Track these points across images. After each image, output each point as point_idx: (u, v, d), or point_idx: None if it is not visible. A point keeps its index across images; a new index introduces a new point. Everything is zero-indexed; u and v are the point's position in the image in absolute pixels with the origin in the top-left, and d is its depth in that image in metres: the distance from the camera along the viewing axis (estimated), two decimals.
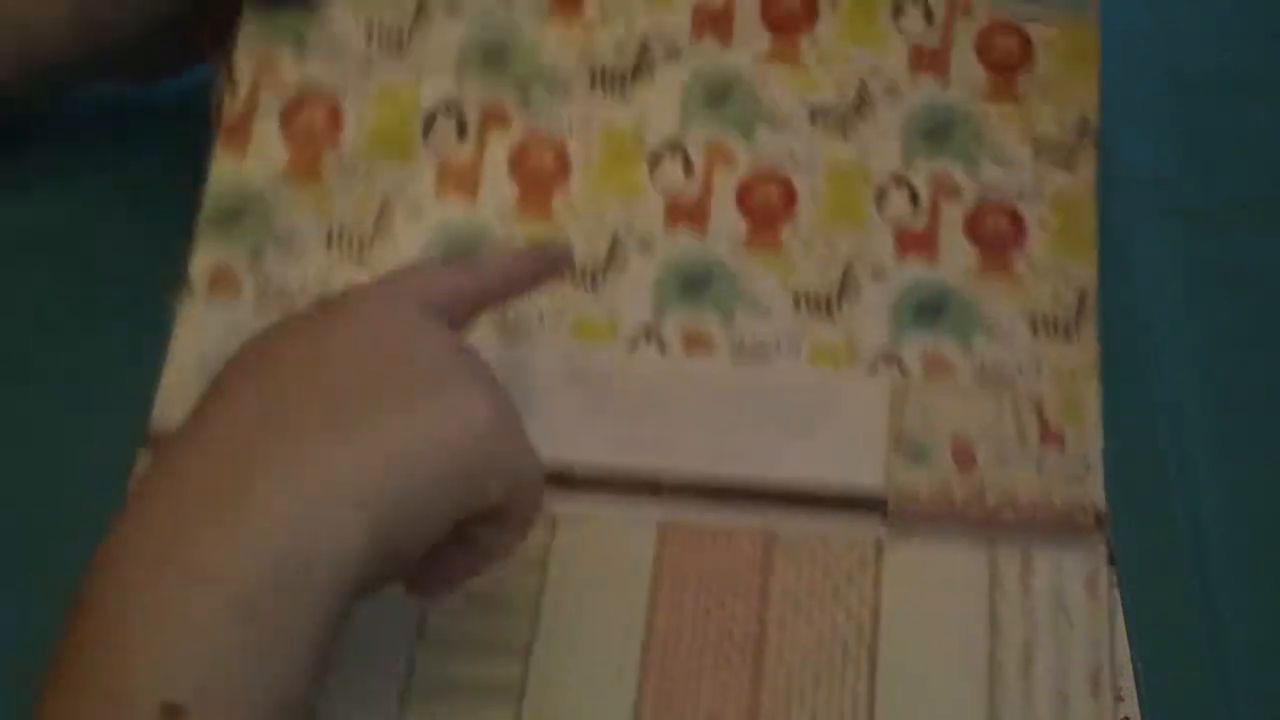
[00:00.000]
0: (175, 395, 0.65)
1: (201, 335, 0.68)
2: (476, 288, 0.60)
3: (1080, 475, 0.67)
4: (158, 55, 0.73)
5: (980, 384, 0.70)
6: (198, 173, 0.70)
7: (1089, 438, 0.68)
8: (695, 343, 0.70)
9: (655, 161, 0.73)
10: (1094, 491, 0.67)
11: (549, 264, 0.64)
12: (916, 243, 0.72)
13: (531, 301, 0.69)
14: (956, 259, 0.72)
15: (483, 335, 0.67)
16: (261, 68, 0.72)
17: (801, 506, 0.67)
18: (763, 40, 0.75)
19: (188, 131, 0.71)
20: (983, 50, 0.76)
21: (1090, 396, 0.69)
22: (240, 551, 0.46)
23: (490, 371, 0.55)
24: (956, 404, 0.69)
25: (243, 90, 0.72)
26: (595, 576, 0.65)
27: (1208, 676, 0.64)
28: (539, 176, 0.72)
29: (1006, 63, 0.76)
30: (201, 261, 0.69)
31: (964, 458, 0.68)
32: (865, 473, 0.67)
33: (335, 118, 0.72)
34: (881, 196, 0.73)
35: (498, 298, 0.63)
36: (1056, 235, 0.73)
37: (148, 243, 0.71)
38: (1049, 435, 0.68)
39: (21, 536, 0.64)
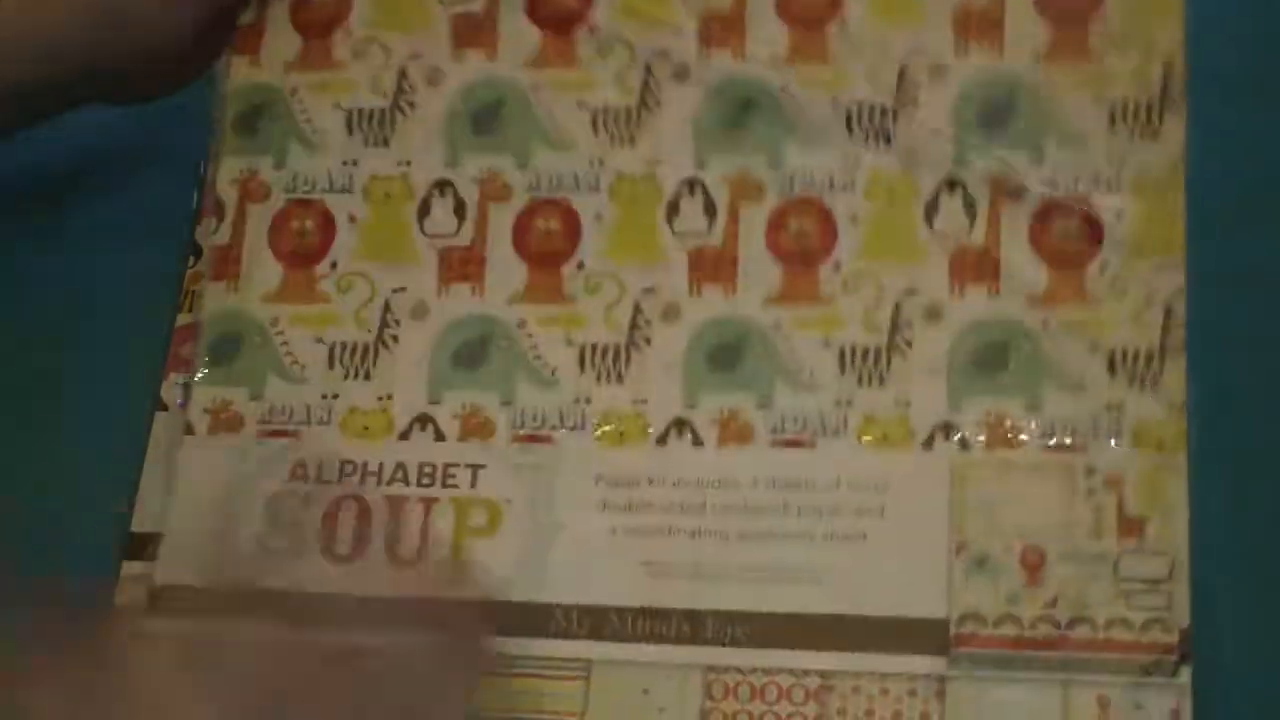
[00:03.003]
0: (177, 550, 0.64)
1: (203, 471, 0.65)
2: None
3: (1162, 579, 0.58)
4: (149, 77, 0.69)
5: (1049, 457, 0.60)
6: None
7: (1173, 528, 0.59)
8: (732, 432, 0.63)
9: (673, 208, 0.65)
10: (1178, 606, 0.58)
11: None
12: (975, 267, 0.62)
13: (553, 402, 0.64)
14: (1021, 284, 0.62)
15: (503, 449, 0.63)
16: (244, 186, 0.67)
17: (856, 639, 0.60)
18: (782, 38, 0.65)
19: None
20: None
21: (1176, 469, 0.59)
22: None
23: None
24: (1022, 487, 0.60)
25: (228, 213, 0.67)
26: None
27: None
28: (548, 247, 0.65)
29: (1072, 9, 0.64)
30: (201, 396, 0.66)
31: (1032, 561, 0.59)
32: (925, 591, 0.59)
33: (327, 226, 0.67)
34: (932, 209, 0.63)
35: None
36: (1138, 235, 0.62)
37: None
38: (1128, 524, 0.59)
39: None
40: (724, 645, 0.60)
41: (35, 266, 0.71)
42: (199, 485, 0.64)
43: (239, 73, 0.69)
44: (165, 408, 0.67)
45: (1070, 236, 0.62)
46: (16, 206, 0.72)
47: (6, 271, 0.71)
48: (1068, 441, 0.60)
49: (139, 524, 0.65)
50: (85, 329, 0.70)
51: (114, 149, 0.72)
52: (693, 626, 0.61)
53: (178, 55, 0.67)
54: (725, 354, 0.64)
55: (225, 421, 0.65)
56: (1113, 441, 0.60)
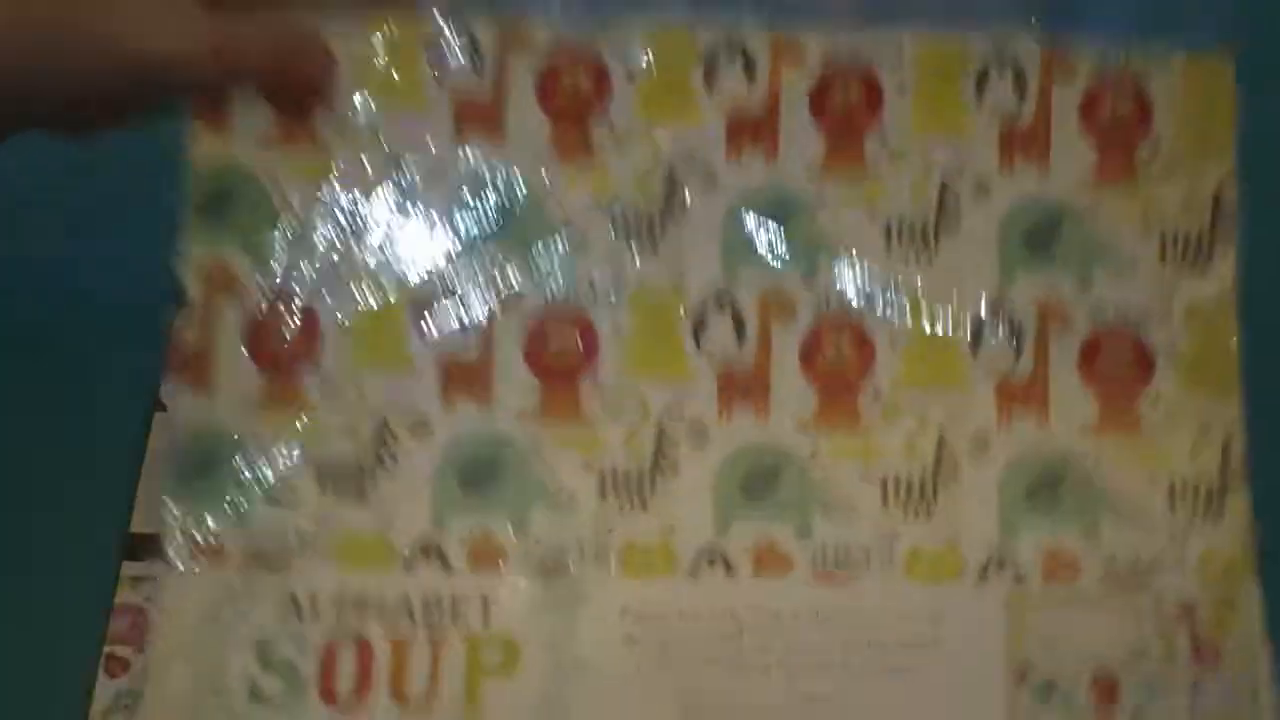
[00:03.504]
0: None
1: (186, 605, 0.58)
2: None
3: (1244, 709, 0.56)
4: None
5: (1113, 587, 0.58)
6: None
7: (1251, 650, 0.57)
8: (768, 560, 0.58)
9: (699, 323, 0.60)
10: None
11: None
12: (1023, 396, 0.59)
13: (571, 529, 0.58)
14: (1071, 414, 0.59)
15: (525, 587, 0.57)
16: (214, 279, 0.60)
17: None
18: (817, 145, 0.61)
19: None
20: (1089, 118, 0.61)
21: (1248, 596, 0.57)
22: None
23: None
24: (1086, 617, 0.57)
25: (197, 311, 0.60)
26: None
27: None
28: (562, 363, 0.60)
29: (1119, 131, 0.61)
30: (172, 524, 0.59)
31: (1103, 692, 0.56)
32: None
33: (310, 326, 0.60)
34: (976, 336, 0.60)
35: None
36: (1191, 366, 0.60)
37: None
38: (1203, 652, 0.57)
39: None
40: None
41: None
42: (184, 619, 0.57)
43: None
44: (164, 408, 0.64)
45: (1121, 366, 0.60)
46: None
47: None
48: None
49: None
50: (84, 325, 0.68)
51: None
52: None
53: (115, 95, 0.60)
54: (760, 481, 0.59)
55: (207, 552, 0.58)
56: (1178, 572, 0.57)
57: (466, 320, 0.60)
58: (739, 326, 0.60)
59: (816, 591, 0.58)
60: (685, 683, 0.57)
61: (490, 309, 0.60)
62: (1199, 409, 0.59)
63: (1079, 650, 0.57)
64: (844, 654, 0.58)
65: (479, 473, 0.59)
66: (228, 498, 0.59)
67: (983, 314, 0.60)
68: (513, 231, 0.61)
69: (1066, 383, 0.60)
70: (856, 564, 0.58)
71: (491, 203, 0.60)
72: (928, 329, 0.60)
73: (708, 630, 0.58)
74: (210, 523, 0.58)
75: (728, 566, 0.59)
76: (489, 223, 0.60)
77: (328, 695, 0.57)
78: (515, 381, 0.60)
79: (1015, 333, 0.60)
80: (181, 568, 0.58)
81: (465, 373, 0.60)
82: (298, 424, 0.59)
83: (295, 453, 0.59)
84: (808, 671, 0.58)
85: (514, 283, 0.60)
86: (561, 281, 0.60)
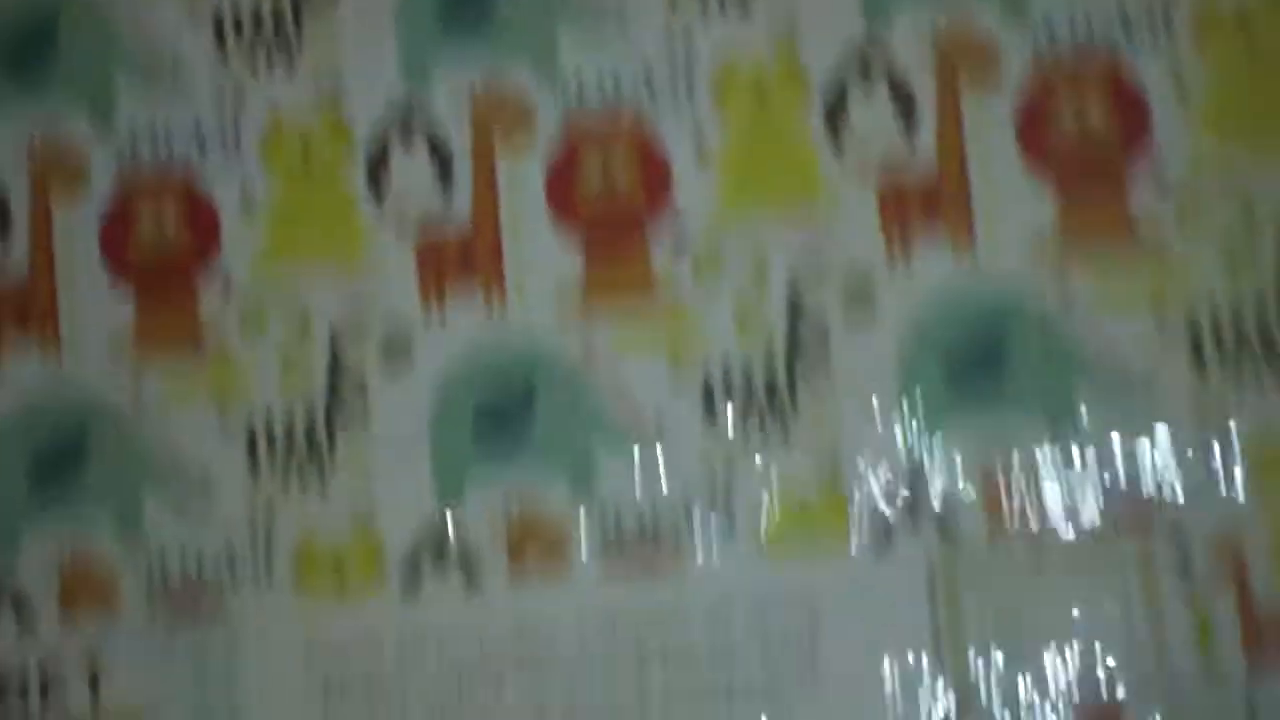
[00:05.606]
0: None
1: None
2: None
3: None
4: None
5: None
6: None
7: None
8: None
9: None
10: None
11: None
12: (926, 208, 0.37)
13: None
14: (1011, 226, 0.38)
15: None
16: None
17: None
18: None
19: None
20: None
21: None
22: None
23: None
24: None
25: None
26: None
27: None
28: None
29: None
30: None
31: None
32: None
33: None
34: (835, 106, 0.37)
35: None
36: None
37: None
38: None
39: None
40: None
41: None
42: None
43: None
44: None
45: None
46: None
47: None
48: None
49: None
50: None
51: None
52: None
53: None
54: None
55: None
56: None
57: None
58: None
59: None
60: None
61: None
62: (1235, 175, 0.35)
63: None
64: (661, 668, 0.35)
65: None
66: None
67: (848, 70, 0.36)
68: None
69: (1000, 172, 0.39)
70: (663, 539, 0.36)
71: None
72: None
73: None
74: None
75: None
76: None
77: None
78: None
79: (898, 90, 0.36)
80: None
81: None
82: None
83: None
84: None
85: None
86: None
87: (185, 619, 0.40)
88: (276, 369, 0.42)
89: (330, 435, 0.40)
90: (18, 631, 0.42)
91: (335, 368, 0.41)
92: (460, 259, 0.41)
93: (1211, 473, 0.38)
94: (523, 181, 0.42)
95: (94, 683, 0.41)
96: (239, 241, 0.43)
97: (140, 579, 0.41)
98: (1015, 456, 0.38)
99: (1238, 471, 0.38)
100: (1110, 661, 0.37)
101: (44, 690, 0.41)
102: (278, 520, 0.41)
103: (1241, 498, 0.37)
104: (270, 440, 0.42)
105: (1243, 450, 0.38)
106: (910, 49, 0.41)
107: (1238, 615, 0.37)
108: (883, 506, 0.39)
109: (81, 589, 0.41)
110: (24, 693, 0.41)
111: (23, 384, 0.43)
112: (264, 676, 0.40)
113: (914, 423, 0.39)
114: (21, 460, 0.43)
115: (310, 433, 0.40)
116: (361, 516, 0.41)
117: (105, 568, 0.41)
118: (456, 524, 0.40)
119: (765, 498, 0.39)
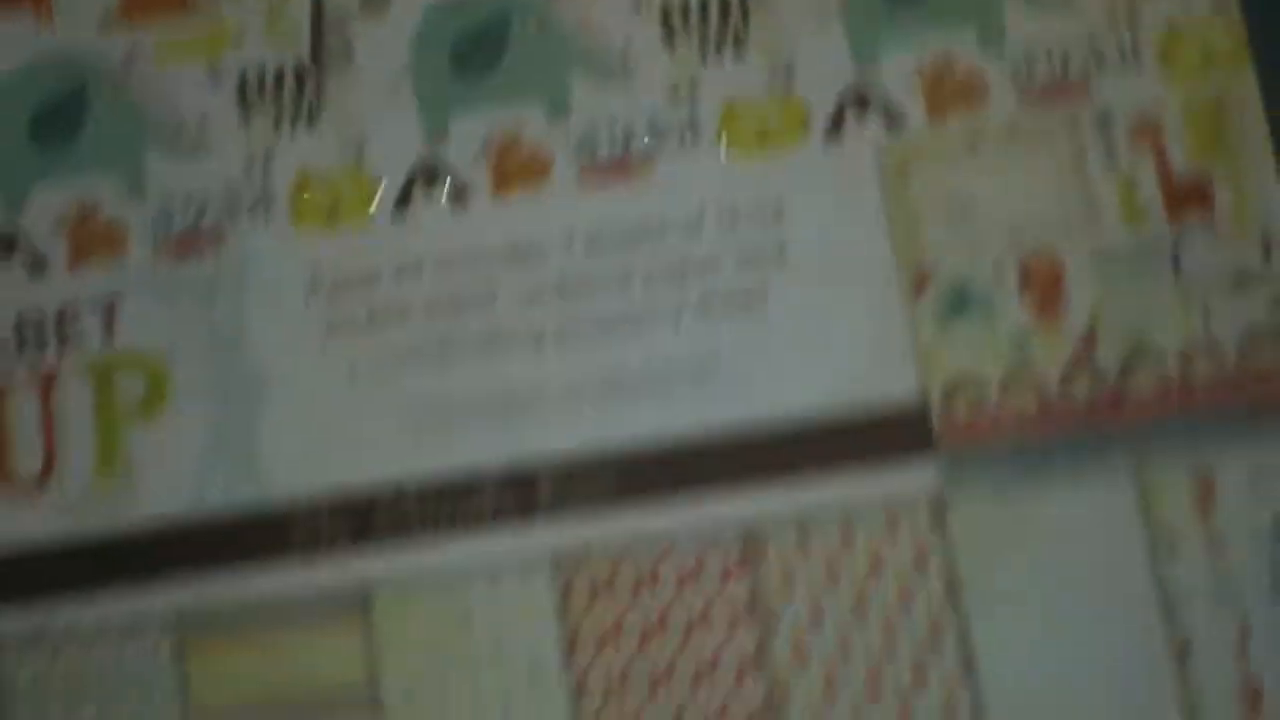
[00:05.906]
0: None
1: None
2: None
3: (1251, 263, 0.36)
4: None
5: (1034, 108, 0.37)
6: None
7: (1254, 178, 0.36)
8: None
9: None
10: None
11: None
12: None
13: None
14: None
15: None
16: None
17: (784, 455, 0.37)
18: None
19: None
20: None
21: (1243, 95, 0.37)
22: None
23: None
24: (1001, 166, 0.37)
25: None
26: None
27: None
28: None
29: None
30: None
31: (1042, 283, 0.36)
32: (880, 360, 0.36)
33: None
34: None
35: None
36: None
37: None
38: (1182, 194, 0.36)
39: None
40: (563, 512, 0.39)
41: None
42: None
43: None
44: None
45: None
46: None
47: None
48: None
49: None
50: None
51: None
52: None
53: None
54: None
55: None
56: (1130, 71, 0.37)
57: None
58: None
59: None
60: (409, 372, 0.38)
61: None
62: None
63: (995, 223, 0.36)
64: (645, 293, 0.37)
65: None
66: None
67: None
68: None
69: None
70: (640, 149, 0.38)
71: None
72: None
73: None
74: None
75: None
76: None
77: None
78: None
79: None
80: None
81: None
82: None
83: None
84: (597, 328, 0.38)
85: None
86: None
87: (191, 259, 0.43)
88: (261, 21, 0.45)
89: (319, 80, 0.42)
90: (32, 284, 0.44)
91: (317, 12, 0.43)
92: None
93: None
94: None
95: (109, 326, 0.43)
96: None
97: (146, 227, 0.44)
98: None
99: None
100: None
101: (61, 339, 0.44)
102: (275, 161, 0.44)
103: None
104: (261, 87, 0.44)
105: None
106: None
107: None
108: (834, 106, 0.43)
109: (91, 240, 0.43)
110: (42, 344, 0.43)
111: (20, 51, 0.45)
112: (270, 305, 0.43)
113: (859, 25, 0.42)
114: (23, 119, 0.47)
115: (299, 76, 0.42)
116: (352, 151, 0.44)
117: (112, 218, 0.43)
118: (441, 153, 0.41)
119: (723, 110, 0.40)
